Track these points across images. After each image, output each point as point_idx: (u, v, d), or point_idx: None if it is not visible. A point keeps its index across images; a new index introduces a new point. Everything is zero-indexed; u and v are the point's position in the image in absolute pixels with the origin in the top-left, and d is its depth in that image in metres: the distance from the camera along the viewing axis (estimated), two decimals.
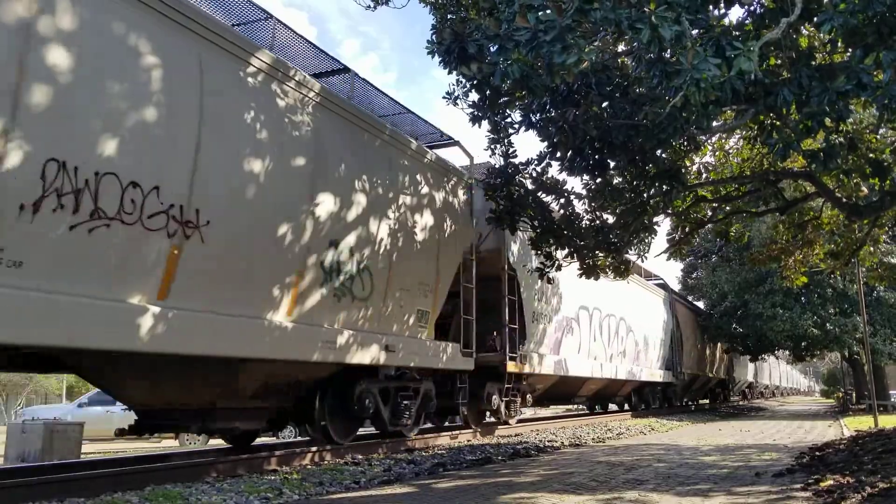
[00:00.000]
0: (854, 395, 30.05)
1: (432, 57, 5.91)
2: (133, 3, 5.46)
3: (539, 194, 9.27)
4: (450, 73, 6.10)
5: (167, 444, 16.11)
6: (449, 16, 8.05)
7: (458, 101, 7.32)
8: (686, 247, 15.03)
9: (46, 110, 4.78)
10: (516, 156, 8.94)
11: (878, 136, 9.10)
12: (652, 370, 20.96)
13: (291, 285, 7.06)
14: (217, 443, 16.39)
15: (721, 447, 9.66)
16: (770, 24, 5.93)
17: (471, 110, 7.24)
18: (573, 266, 10.12)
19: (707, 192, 10.83)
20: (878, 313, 25.46)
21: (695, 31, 4.69)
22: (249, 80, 6.60)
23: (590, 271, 9.91)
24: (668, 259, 12.42)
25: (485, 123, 7.75)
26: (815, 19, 5.44)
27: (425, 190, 9.37)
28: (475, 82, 6.73)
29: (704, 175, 10.64)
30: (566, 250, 9.63)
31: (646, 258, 10.41)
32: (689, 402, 27.06)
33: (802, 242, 12.39)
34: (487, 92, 7.00)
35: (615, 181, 8.87)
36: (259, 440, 16.55)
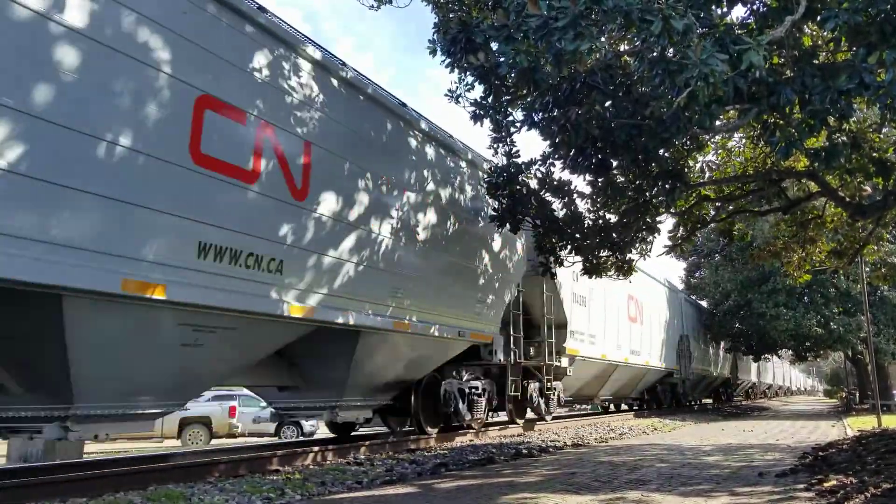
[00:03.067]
0: (857, 394, 29.98)
1: (433, 56, 5.89)
2: None
3: (543, 193, 9.23)
4: (453, 67, 6.06)
5: (169, 444, 16.14)
6: (451, 15, 8.01)
7: (459, 100, 7.29)
8: (688, 245, 15.03)
9: None
10: (519, 155, 8.89)
11: (882, 135, 9.03)
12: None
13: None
14: (218, 442, 16.43)
15: (724, 447, 9.64)
16: (773, 23, 5.91)
17: (472, 108, 7.20)
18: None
19: (710, 192, 10.78)
20: (881, 312, 25.40)
21: (700, 30, 4.66)
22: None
23: (592, 270, 9.89)
24: (675, 256, 12.41)
25: (486, 122, 7.71)
26: (819, 17, 5.42)
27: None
28: (480, 74, 6.69)
29: (707, 174, 10.59)
30: (569, 249, 9.61)
31: (648, 256, 10.36)
32: (693, 402, 27.07)
33: (805, 240, 12.33)
34: (493, 83, 6.94)
35: (618, 180, 8.83)
36: (260, 440, 16.62)
